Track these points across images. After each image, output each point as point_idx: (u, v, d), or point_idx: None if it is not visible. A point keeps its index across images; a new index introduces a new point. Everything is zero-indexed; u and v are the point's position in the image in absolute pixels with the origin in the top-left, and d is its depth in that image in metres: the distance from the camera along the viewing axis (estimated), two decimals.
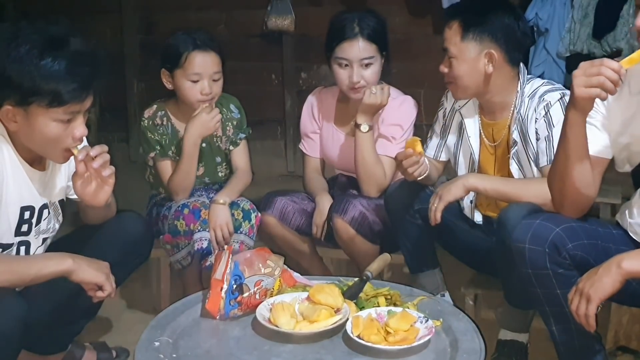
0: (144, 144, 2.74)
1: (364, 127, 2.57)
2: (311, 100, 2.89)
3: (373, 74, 2.61)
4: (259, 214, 2.67)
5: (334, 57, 2.61)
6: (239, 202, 2.67)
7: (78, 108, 1.85)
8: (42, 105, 1.80)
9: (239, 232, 2.62)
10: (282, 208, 2.68)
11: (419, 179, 2.33)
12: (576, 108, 1.77)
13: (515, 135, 2.30)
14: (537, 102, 2.25)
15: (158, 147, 2.70)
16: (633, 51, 1.72)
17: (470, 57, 2.27)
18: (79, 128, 1.87)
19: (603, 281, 1.67)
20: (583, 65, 1.72)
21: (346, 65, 2.59)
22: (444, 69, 2.33)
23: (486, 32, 2.26)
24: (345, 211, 2.53)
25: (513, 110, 2.31)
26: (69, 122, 1.85)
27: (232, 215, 2.62)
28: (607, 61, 1.69)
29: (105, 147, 1.92)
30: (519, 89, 2.31)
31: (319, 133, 2.85)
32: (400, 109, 2.68)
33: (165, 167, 2.71)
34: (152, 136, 2.69)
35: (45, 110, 1.81)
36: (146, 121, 2.71)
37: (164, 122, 2.72)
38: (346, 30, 2.58)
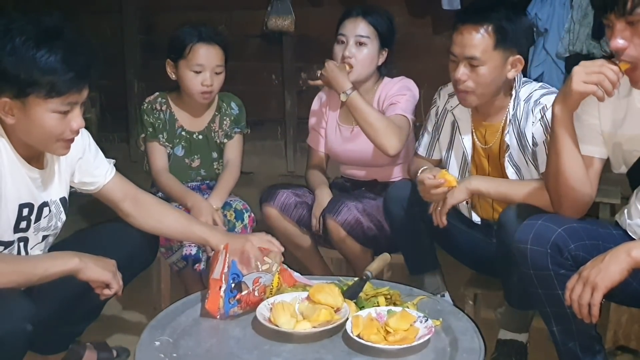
0: (138, 127, 2.81)
1: (343, 97, 2.56)
2: (321, 95, 2.93)
3: (364, 55, 2.67)
4: (252, 214, 2.69)
5: (338, 33, 2.70)
6: (231, 202, 2.69)
7: (75, 99, 1.84)
8: (39, 96, 1.78)
9: (233, 232, 2.62)
10: (284, 200, 2.69)
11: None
12: (565, 103, 1.80)
13: (508, 138, 2.27)
14: (533, 106, 2.22)
15: (150, 129, 2.75)
16: None
17: (500, 64, 2.21)
18: (76, 120, 1.86)
19: (610, 269, 1.65)
20: (585, 62, 1.75)
21: (343, 42, 2.66)
22: (462, 76, 2.21)
23: (516, 39, 2.21)
24: (339, 212, 2.53)
25: (507, 114, 2.29)
26: (67, 113, 1.84)
27: (225, 216, 2.63)
28: (609, 62, 1.73)
29: None
30: (514, 91, 2.29)
31: (325, 128, 2.87)
32: (399, 85, 2.71)
33: (153, 148, 2.76)
34: (147, 119, 2.76)
35: (43, 102, 1.79)
36: (146, 105, 2.79)
37: (163, 108, 2.78)
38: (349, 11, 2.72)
